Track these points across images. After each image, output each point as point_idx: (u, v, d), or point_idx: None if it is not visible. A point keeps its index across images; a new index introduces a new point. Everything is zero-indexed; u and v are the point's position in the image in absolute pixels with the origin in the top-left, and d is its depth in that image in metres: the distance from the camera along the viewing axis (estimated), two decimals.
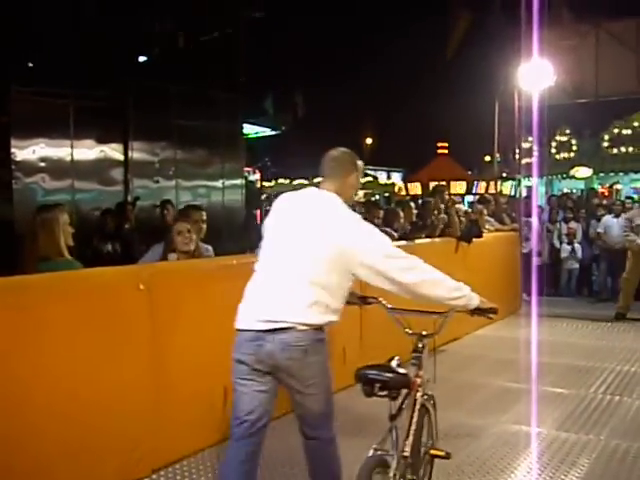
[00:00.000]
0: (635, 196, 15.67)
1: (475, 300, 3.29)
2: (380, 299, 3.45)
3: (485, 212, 9.59)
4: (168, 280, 4.38)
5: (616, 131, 16.63)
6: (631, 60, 13.17)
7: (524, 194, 14.39)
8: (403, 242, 7.10)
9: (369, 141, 37.94)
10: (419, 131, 29.11)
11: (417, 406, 3.12)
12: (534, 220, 11.09)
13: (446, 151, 23.92)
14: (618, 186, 17.92)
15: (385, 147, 33.99)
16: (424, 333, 3.26)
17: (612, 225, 11.04)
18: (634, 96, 14.75)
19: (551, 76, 11.74)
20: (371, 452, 2.93)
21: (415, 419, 3.08)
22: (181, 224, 5.06)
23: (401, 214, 7.74)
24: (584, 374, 6.47)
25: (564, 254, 11.92)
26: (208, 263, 5.02)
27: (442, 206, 8.60)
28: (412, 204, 8.52)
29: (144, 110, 10.79)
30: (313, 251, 3.02)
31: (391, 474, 2.89)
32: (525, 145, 15.85)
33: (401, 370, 3.04)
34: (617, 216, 11.12)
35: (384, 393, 2.94)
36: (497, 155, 15.71)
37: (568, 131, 17.43)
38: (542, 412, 5.34)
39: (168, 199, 9.04)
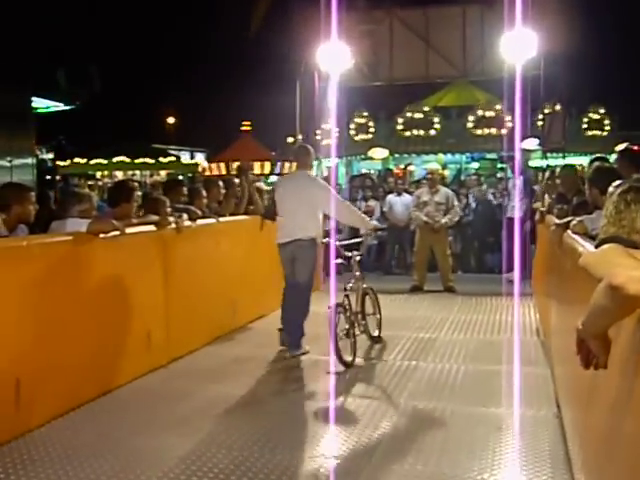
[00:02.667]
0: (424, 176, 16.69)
1: (371, 224, 6.80)
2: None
3: None
4: None
5: (409, 115, 17.60)
6: (421, 47, 14.03)
7: (325, 174, 14.83)
8: (209, 220, 6.98)
9: (171, 120, 37.02)
10: (223, 111, 28.92)
11: (361, 287, 6.43)
12: None
13: (249, 128, 23.91)
14: (411, 167, 19.04)
15: (188, 127, 33.40)
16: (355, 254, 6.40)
17: (395, 203, 11.66)
18: (424, 81, 15.74)
19: (349, 59, 12.12)
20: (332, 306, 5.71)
21: (361, 295, 6.41)
22: None
23: (204, 193, 7.56)
24: (384, 343, 6.78)
25: (363, 231, 12.41)
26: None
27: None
28: (220, 183, 8.37)
29: None
30: (306, 202, 6.12)
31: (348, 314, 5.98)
32: (326, 126, 16.31)
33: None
34: (399, 195, 11.78)
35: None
36: (299, 136, 16.02)
37: (366, 113, 18.15)
38: (346, 382, 5.52)
39: None
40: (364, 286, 6.53)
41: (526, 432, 4.33)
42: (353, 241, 6.77)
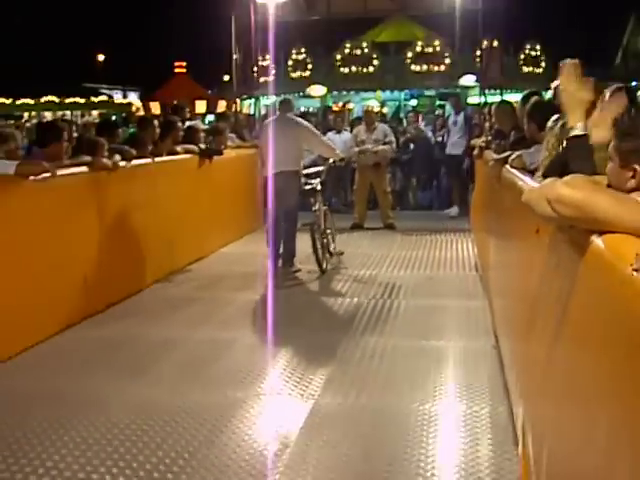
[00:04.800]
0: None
1: (340, 155, 7.65)
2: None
3: (227, 129, 9.50)
4: None
5: (347, 51, 17.36)
6: None
7: (263, 112, 14.58)
8: (145, 160, 6.76)
9: (101, 57, 35.56)
10: (155, 49, 27.93)
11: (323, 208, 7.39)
12: None
13: (184, 70, 23.20)
14: (350, 105, 18.90)
15: (119, 65, 32.15)
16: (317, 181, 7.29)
17: (335, 140, 11.45)
18: (363, 15, 15.50)
19: None
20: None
21: (323, 213, 7.36)
22: None
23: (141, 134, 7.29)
24: (326, 280, 6.81)
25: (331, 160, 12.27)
26: None
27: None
28: (155, 122, 8.09)
29: None
30: (291, 139, 6.96)
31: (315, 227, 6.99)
32: (263, 63, 15.95)
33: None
34: (339, 132, 11.64)
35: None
36: (234, 73, 15.61)
37: (304, 50, 17.82)
38: (287, 318, 5.53)
39: None
40: (324, 208, 7.52)
41: (466, 363, 4.44)
42: (315, 170, 7.60)
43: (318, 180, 7.35)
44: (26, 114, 22.64)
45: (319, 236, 7.09)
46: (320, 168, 7.64)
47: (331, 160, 7.61)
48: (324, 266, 7.10)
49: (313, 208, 7.24)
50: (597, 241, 1.70)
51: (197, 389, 4.09)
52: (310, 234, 6.89)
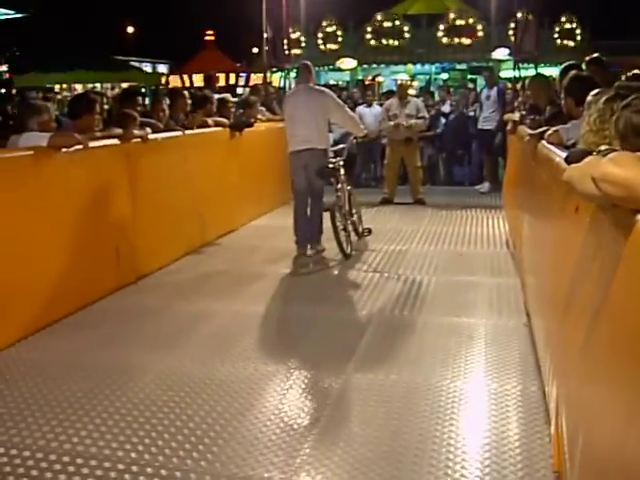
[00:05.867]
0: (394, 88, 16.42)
1: (364, 131, 7.07)
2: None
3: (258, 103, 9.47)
4: None
5: (378, 23, 17.12)
6: None
7: (293, 84, 14.47)
8: (176, 132, 6.76)
9: (130, 30, 35.55)
10: (185, 22, 27.85)
11: (346, 188, 6.90)
12: None
13: (213, 38, 23.11)
14: (380, 78, 18.69)
15: (149, 37, 32.13)
16: (338, 159, 6.79)
17: (365, 114, 11.27)
18: None
19: None
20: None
21: (347, 195, 6.92)
22: None
23: (164, 105, 7.24)
24: (355, 255, 6.79)
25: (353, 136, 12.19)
26: None
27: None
28: (186, 93, 8.08)
29: None
30: (317, 112, 6.38)
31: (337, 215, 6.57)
32: (293, 36, 15.81)
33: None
34: (369, 106, 11.51)
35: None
36: (265, 47, 15.50)
37: (334, 22, 17.61)
38: (319, 293, 5.53)
39: None
40: (348, 188, 7.01)
41: (497, 341, 4.40)
42: (336, 147, 7.13)
43: (339, 159, 6.84)
44: (57, 86, 22.78)
45: (341, 219, 6.64)
46: (342, 146, 7.19)
47: (352, 137, 7.22)
48: (347, 251, 6.64)
49: (335, 188, 6.70)
50: None
51: (227, 362, 4.11)
52: (330, 218, 6.43)
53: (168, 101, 7.29)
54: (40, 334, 4.56)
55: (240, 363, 4.10)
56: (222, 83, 20.58)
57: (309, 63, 6.93)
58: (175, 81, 21.29)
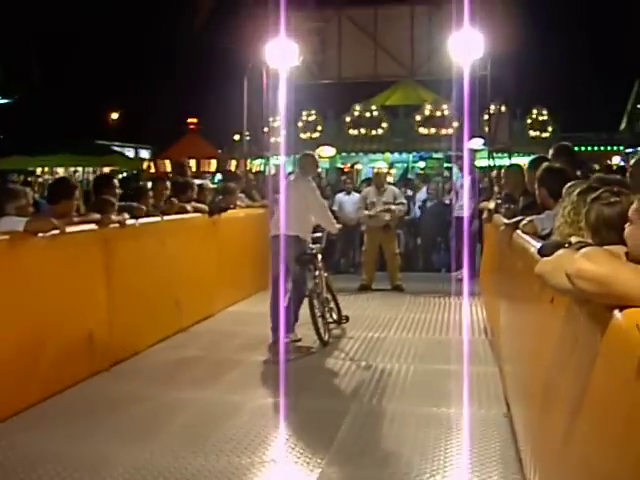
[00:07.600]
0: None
1: (337, 228, 7.16)
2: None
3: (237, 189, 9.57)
4: None
5: (357, 113, 17.62)
6: (369, 46, 13.99)
7: (273, 172, 14.70)
8: (154, 218, 6.78)
9: (115, 116, 36.18)
10: (168, 108, 28.43)
11: (323, 275, 6.92)
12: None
13: (195, 123, 23.57)
14: (358, 166, 19.08)
15: (132, 123, 32.65)
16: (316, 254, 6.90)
17: (345, 202, 11.53)
18: (372, 80, 15.79)
19: (297, 56, 11.98)
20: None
21: (324, 282, 6.92)
22: None
23: (150, 192, 7.32)
24: (332, 343, 6.71)
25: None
26: None
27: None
28: (167, 182, 8.15)
29: None
30: (301, 202, 6.64)
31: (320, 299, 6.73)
32: (273, 124, 16.17)
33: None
34: (349, 193, 11.72)
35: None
36: (247, 133, 15.84)
37: (314, 112, 18.09)
38: (294, 383, 5.42)
39: None
40: (325, 275, 7.04)
41: (477, 432, 4.32)
42: (315, 235, 7.16)
43: (318, 246, 6.95)
44: (39, 169, 22.90)
45: (319, 305, 6.69)
46: (320, 234, 7.20)
47: (326, 231, 7.17)
48: (325, 338, 6.61)
49: (312, 275, 6.80)
50: (618, 316, 1.65)
51: (201, 454, 3.98)
52: (309, 304, 6.52)
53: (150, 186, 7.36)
54: (6, 424, 4.39)
55: (212, 456, 3.97)
56: (204, 169, 20.84)
57: (312, 154, 7.30)
58: (159, 166, 21.52)
